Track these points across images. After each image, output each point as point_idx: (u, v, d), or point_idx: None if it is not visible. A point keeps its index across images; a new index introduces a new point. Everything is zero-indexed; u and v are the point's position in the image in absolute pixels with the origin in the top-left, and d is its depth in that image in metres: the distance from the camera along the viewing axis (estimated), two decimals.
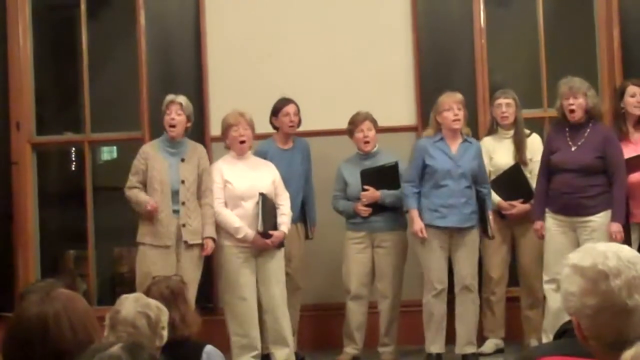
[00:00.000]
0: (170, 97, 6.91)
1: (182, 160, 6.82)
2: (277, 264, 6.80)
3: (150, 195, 6.72)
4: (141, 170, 6.76)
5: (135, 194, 6.74)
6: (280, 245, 6.79)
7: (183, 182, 6.76)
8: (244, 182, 6.75)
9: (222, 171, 6.81)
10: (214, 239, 6.82)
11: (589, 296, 2.23)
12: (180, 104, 6.84)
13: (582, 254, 2.30)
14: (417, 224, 6.76)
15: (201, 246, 6.81)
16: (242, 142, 6.83)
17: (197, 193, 6.82)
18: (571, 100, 6.60)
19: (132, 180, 6.79)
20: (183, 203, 6.74)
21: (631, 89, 6.90)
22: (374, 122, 7.16)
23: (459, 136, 6.89)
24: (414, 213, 6.79)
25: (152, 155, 6.78)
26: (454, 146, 6.86)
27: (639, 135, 6.89)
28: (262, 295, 6.76)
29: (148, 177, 6.74)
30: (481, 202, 6.85)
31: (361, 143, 7.14)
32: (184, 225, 6.73)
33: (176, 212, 6.73)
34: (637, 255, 2.29)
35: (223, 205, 6.77)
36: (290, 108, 7.20)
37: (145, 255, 6.73)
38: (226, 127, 6.88)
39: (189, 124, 6.90)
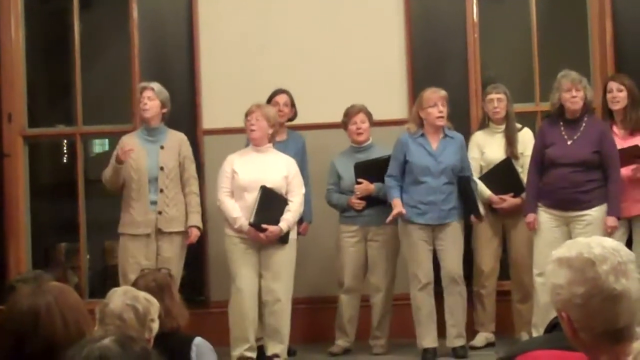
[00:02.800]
0: (142, 84, 6.94)
1: (162, 147, 6.81)
2: (280, 259, 6.74)
3: (126, 184, 6.72)
4: None
5: (107, 169, 6.74)
6: (282, 240, 6.74)
7: (162, 168, 6.75)
8: (249, 173, 6.71)
9: (233, 161, 6.80)
10: (199, 228, 6.84)
11: (577, 285, 2.25)
12: (152, 89, 6.85)
13: (566, 248, 2.33)
14: (397, 209, 6.74)
15: (183, 234, 6.81)
16: (252, 130, 6.77)
17: (181, 182, 6.82)
18: (574, 92, 6.62)
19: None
20: (161, 190, 6.73)
21: (609, 85, 6.96)
22: (368, 114, 7.17)
23: (440, 131, 6.89)
24: (397, 201, 6.78)
25: (131, 144, 6.73)
26: (435, 142, 6.86)
27: (623, 131, 6.90)
28: (262, 289, 6.75)
29: (125, 166, 6.70)
30: (465, 188, 6.84)
31: (354, 135, 7.15)
32: (159, 213, 6.72)
33: (153, 201, 6.72)
34: (619, 243, 2.33)
35: (228, 194, 6.75)
36: (280, 98, 7.22)
37: (125, 246, 6.73)
38: (244, 118, 6.84)
39: (164, 110, 6.89)
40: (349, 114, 7.17)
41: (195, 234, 6.84)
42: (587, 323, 2.25)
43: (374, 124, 7.22)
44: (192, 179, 6.88)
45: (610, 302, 2.23)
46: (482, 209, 6.88)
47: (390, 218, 6.76)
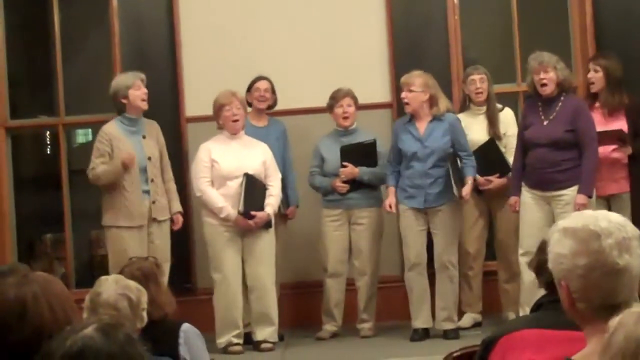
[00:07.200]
0: (136, 74, 6.88)
1: (144, 137, 6.82)
2: (264, 244, 6.80)
3: (120, 176, 6.68)
4: (106, 152, 6.70)
5: (102, 169, 6.67)
6: (267, 225, 6.78)
7: (150, 158, 6.77)
8: (230, 162, 6.75)
9: (210, 150, 6.82)
10: (181, 213, 6.88)
11: (580, 256, 2.26)
12: (144, 80, 6.84)
13: (572, 219, 2.33)
14: (388, 200, 6.85)
15: (170, 222, 6.85)
16: (235, 121, 6.81)
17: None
18: (542, 75, 6.61)
19: (97, 162, 6.72)
20: (152, 180, 6.76)
21: (588, 66, 6.98)
22: (354, 98, 7.17)
23: (428, 115, 6.89)
24: (390, 190, 6.86)
25: (115, 135, 6.73)
26: (422, 126, 6.88)
27: (606, 111, 6.90)
28: (247, 275, 6.78)
29: (114, 159, 6.69)
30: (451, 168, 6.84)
31: (340, 118, 7.15)
32: (154, 202, 6.74)
33: (145, 190, 6.73)
34: (625, 219, 2.33)
35: (209, 184, 6.77)
36: (261, 84, 7.23)
37: (120, 237, 6.70)
38: (218, 107, 6.85)
39: None
40: (336, 97, 7.16)
41: (181, 220, 6.90)
42: (585, 295, 2.26)
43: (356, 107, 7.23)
44: (168, 165, 6.94)
45: (611, 277, 2.24)
46: (458, 191, 6.77)
47: (384, 208, 6.88)
